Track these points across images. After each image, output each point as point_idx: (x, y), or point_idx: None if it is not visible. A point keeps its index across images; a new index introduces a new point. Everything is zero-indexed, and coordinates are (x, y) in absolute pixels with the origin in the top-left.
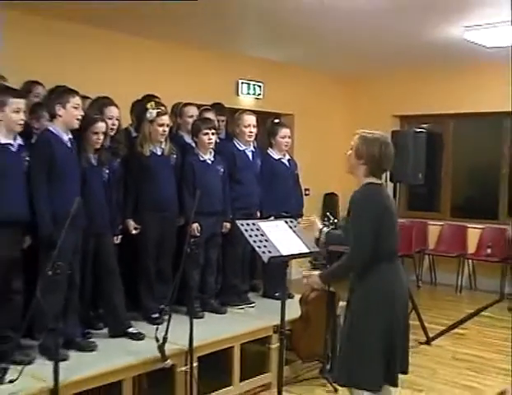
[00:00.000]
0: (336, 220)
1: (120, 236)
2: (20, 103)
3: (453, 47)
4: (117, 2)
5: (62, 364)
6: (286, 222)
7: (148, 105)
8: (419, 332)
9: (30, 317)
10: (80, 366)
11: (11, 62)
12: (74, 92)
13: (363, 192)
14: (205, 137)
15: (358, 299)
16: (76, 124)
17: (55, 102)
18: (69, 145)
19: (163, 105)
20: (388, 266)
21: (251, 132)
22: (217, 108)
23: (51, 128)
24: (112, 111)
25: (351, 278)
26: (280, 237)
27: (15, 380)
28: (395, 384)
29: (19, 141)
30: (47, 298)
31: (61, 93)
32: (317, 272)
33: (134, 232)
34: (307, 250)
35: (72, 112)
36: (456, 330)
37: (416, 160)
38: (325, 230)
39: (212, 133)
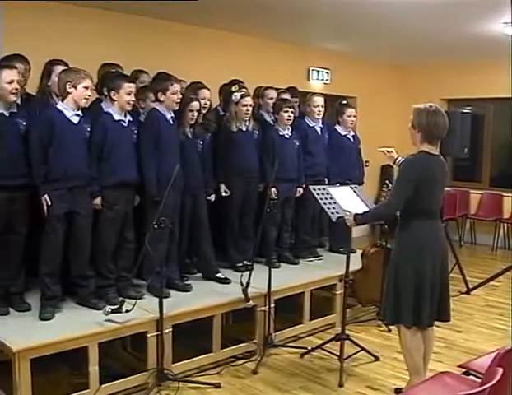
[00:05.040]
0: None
1: (213, 195)
2: (131, 86)
3: (493, 40)
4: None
5: (165, 301)
6: (352, 187)
7: (233, 88)
8: (461, 283)
9: (140, 261)
10: (179, 303)
11: (124, 55)
12: (172, 79)
13: (413, 158)
14: (285, 114)
15: (397, 248)
16: (175, 107)
17: (157, 89)
18: (171, 122)
19: (245, 88)
20: (427, 222)
21: (319, 111)
22: (291, 91)
23: (158, 108)
24: (204, 93)
25: (396, 232)
26: (346, 200)
27: (129, 310)
28: (423, 325)
29: (129, 117)
30: (153, 247)
31: (161, 81)
32: (353, 212)
33: (224, 195)
34: None
35: (171, 97)
36: (491, 282)
37: (462, 137)
38: (400, 159)
39: (291, 112)
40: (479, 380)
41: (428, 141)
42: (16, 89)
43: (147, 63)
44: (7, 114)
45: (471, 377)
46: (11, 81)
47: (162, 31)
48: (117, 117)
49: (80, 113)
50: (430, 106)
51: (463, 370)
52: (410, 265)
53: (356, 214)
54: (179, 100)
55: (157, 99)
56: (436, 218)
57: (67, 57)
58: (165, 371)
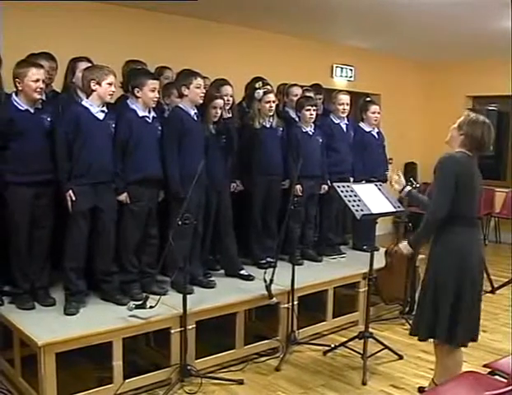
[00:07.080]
0: (418, 185)
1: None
2: (155, 83)
3: None
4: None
5: (188, 297)
6: (376, 185)
7: (256, 85)
8: (485, 282)
9: (164, 258)
10: (202, 299)
11: (148, 52)
12: (196, 74)
13: (450, 156)
14: (307, 113)
15: (434, 259)
16: (199, 101)
17: (181, 83)
18: (195, 118)
19: (269, 85)
20: (465, 229)
21: (344, 109)
22: (315, 88)
23: (181, 105)
24: (227, 90)
25: (438, 242)
26: (370, 197)
27: (153, 306)
28: (476, 339)
29: (153, 113)
30: (177, 243)
31: (185, 76)
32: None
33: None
34: (393, 209)
35: (195, 91)
36: None
37: None
38: (408, 188)
39: (314, 109)
40: (505, 380)
41: (470, 150)
42: (41, 88)
43: (171, 61)
44: (32, 111)
45: (496, 377)
46: (37, 80)
47: (186, 28)
48: (141, 113)
49: (105, 109)
50: (486, 119)
51: (489, 370)
52: (468, 279)
53: (409, 239)
54: (202, 95)
55: (181, 95)
56: (474, 224)
57: (92, 55)
58: (188, 367)
